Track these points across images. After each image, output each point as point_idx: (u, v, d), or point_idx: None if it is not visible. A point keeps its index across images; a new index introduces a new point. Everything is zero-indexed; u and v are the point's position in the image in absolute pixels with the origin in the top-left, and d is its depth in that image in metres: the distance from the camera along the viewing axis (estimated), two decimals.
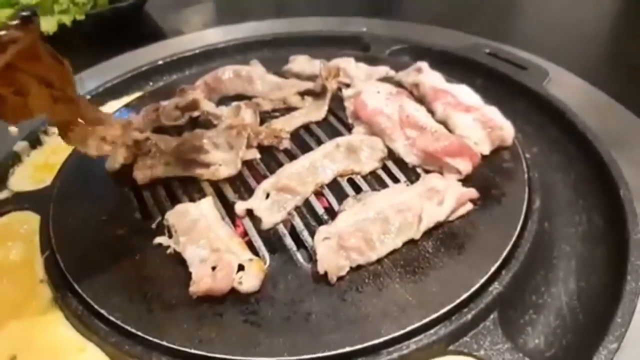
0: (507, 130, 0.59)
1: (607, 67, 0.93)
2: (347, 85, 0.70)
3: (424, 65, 0.70)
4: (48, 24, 0.98)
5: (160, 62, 0.88)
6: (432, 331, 0.43)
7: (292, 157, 0.60)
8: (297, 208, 0.53)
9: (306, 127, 0.65)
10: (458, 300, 0.44)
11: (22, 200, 0.62)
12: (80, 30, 1.01)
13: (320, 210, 0.53)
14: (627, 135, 0.66)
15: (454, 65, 0.80)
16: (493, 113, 0.60)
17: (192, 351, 0.41)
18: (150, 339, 0.42)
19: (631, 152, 0.62)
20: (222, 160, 0.55)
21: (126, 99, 0.80)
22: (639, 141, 0.65)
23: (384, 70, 0.74)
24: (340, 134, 0.63)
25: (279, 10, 1.17)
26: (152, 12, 1.19)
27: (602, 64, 0.94)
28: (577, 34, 1.02)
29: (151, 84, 0.88)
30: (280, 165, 0.57)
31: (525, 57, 0.81)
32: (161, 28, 1.17)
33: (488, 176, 0.56)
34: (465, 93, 0.64)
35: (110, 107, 0.79)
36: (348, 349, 0.41)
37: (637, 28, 1.04)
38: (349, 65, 0.73)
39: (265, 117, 0.66)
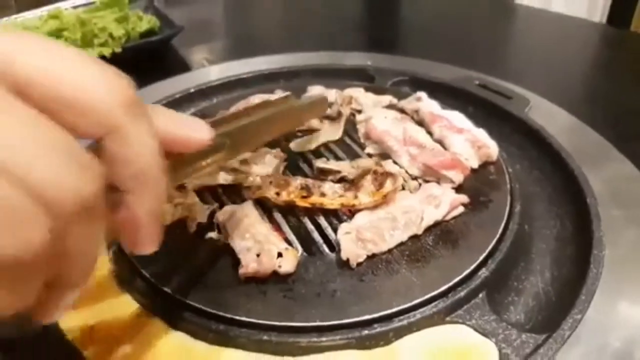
0: (492, 148, 0.71)
1: (581, 96, 1.05)
2: (359, 111, 0.83)
3: (422, 94, 0.82)
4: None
5: (192, 90, 1.00)
6: (432, 304, 0.53)
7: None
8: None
9: (325, 145, 0.77)
10: (453, 282, 0.54)
11: None
12: (117, 61, 1.14)
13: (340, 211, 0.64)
14: (596, 155, 0.76)
15: (449, 95, 0.92)
16: (481, 134, 0.72)
17: (243, 318, 0.51)
18: (209, 310, 0.52)
19: (599, 168, 0.73)
20: (259, 172, 0.67)
21: None
22: (606, 159, 0.76)
23: (388, 98, 0.86)
24: (355, 152, 0.75)
25: (291, 46, 1.29)
26: (177, 46, 1.32)
27: (577, 94, 1.06)
28: (557, 68, 1.15)
29: (183, 110, 0.99)
30: (305, 175, 0.69)
31: (510, 87, 0.93)
32: (186, 60, 1.30)
33: (477, 186, 0.68)
34: (457, 118, 0.76)
35: None
36: (367, 317, 0.51)
37: (610, 63, 1.18)
38: (359, 94, 0.85)
39: (289, 137, 0.78)
